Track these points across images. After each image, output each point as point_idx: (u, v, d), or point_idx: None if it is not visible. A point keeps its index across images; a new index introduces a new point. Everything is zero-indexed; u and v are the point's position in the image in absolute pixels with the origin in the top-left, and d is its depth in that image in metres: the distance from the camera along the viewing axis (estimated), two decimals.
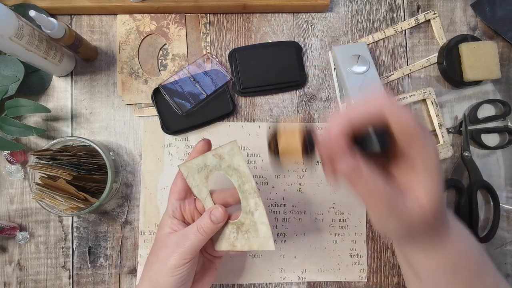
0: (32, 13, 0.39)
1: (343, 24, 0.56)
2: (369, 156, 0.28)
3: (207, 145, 0.40)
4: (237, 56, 0.53)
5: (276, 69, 0.53)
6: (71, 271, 0.50)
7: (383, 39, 0.55)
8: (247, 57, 0.53)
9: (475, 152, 0.54)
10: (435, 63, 0.55)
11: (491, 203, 0.53)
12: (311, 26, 0.55)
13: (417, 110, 0.55)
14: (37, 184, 0.45)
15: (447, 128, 0.53)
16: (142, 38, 0.53)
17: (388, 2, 0.56)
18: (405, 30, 0.56)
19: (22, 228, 0.50)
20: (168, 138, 0.52)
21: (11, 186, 0.51)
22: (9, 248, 0.50)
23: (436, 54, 0.55)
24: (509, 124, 0.55)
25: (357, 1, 0.56)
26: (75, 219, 0.51)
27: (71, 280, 0.50)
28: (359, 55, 0.49)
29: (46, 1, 0.51)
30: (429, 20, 0.56)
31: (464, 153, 0.53)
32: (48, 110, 0.49)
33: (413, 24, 0.55)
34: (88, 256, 0.50)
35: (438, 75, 0.55)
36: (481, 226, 0.53)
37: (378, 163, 0.29)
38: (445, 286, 0.33)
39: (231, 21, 0.55)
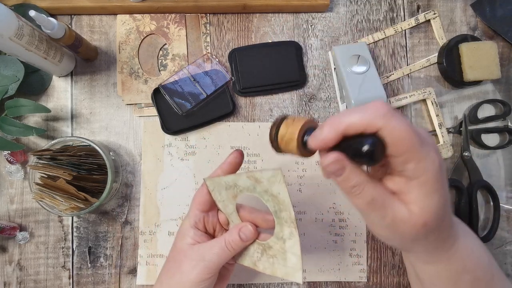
0: (32, 13, 0.39)
1: (343, 24, 0.56)
2: (358, 163, 0.27)
3: (240, 157, 0.38)
4: (237, 56, 0.53)
5: (276, 69, 0.53)
6: (71, 271, 0.50)
7: (383, 39, 0.55)
8: (247, 57, 0.53)
9: (475, 152, 0.54)
10: (435, 63, 0.55)
11: (491, 203, 0.53)
12: (311, 26, 0.55)
13: (417, 110, 0.55)
14: (37, 184, 0.45)
15: (447, 128, 0.53)
16: (142, 38, 0.53)
17: (388, 2, 0.56)
18: (405, 30, 0.56)
19: (22, 228, 0.50)
20: (168, 138, 0.52)
21: (11, 186, 0.51)
22: (9, 248, 0.50)
23: (436, 54, 0.55)
24: (509, 124, 0.55)
25: (357, 1, 0.56)
26: (75, 219, 0.51)
27: (71, 280, 0.50)
28: (359, 55, 0.49)
29: (46, 1, 0.51)
30: (429, 20, 0.56)
31: (464, 153, 0.53)
32: (48, 110, 0.49)
33: (413, 24, 0.55)
34: (88, 256, 0.50)
35: (438, 75, 0.55)
36: (481, 226, 0.53)
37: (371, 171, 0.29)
38: None
39: (231, 21, 0.55)
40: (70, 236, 0.50)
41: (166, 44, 0.54)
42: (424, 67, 0.55)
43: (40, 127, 0.50)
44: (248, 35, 0.55)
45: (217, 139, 0.52)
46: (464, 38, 0.53)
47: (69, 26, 0.49)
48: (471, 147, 0.54)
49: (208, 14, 0.54)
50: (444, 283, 0.33)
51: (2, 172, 0.51)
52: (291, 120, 0.31)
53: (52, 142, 0.46)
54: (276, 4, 0.53)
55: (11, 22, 0.39)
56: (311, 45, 0.55)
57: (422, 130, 0.28)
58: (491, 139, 0.55)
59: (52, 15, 0.52)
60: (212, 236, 0.39)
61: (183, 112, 0.50)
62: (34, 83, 0.51)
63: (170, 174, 0.51)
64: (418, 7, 0.56)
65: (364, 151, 0.25)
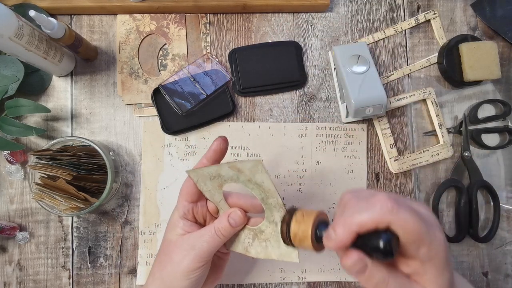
0: (32, 13, 0.39)
1: (343, 24, 0.55)
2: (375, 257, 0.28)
3: (225, 143, 0.38)
4: (237, 56, 0.53)
5: (276, 69, 0.53)
6: (71, 271, 0.50)
7: (383, 39, 0.55)
8: (247, 57, 0.53)
9: (475, 152, 0.54)
10: (435, 63, 0.55)
11: (491, 203, 0.53)
12: (311, 26, 0.55)
13: (417, 110, 0.55)
14: (37, 184, 0.45)
15: (447, 128, 0.53)
16: (142, 38, 0.53)
17: (388, 2, 0.56)
18: (405, 30, 0.56)
19: (22, 228, 0.50)
20: (168, 138, 0.52)
21: (11, 186, 0.51)
22: (9, 248, 0.50)
23: (436, 54, 0.55)
24: (509, 124, 0.55)
25: (357, 1, 0.56)
26: (75, 219, 0.51)
27: (71, 280, 0.50)
28: (359, 55, 0.49)
29: (46, 1, 0.51)
30: (429, 20, 0.56)
31: (464, 153, 0.53)
32: (48, 110, 0.49)
33: (413, 24, 0.55)
34: (88, 256, 0.50)
35: (438, 75, 0.55)
36: (481, 226, 0.53)
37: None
38: None
39: (231, 21, 0.55)
40: (70, 236, 0.50)
41: (166, 44, 0.54)
42: (424, 67, 0.55)
43: (40, 127, 0.50)
44: (248, 35, 0.55)
45: None
46: (464, 38, 0.53)
47: (69, 26, 0.49)
48: (471, 147, 0.54)
49: (208, 14, 0.54)
50: None
51: (2, 172, 0.51)
52: (300, 215, 0.32)
53: (52, 142, 0.46)
54: (276, 4, 0.53)
55: (11, 22, 0.39)
56: (311, 45, 0.55)
57: (424, 212, 0.29)
58: (491, 139, 0.55)
59: (52, 15, 0.52)
60: (202, 226, 0.38)
61: (183, 112, 0.50)
62: (34, 83, 0.51)
63: (170, 174, 0.51)
64: (418, 7, 0.56)
65: (381, 247, 0.26)
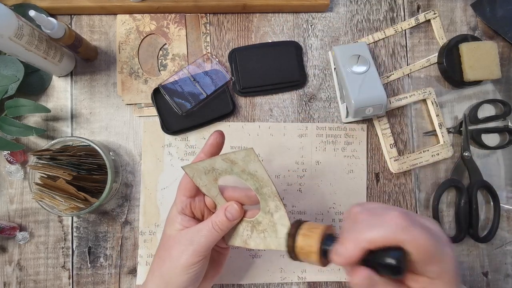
0: (32, 13, 0.38)
1: (343, 24, 0.55)
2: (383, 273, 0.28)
3: (221, 137, 0.38)
4: (237, 56, 0.53)
5: (276, 69, 0.53)
6: (71, 271, 0.50)
7: (383, 39, 0.55)
8: (247, 57, 0.53)
9: (475, 152, 0.54)
10: (435, 63, 0.55)
11: (491, 203, 0.53)
12: (311, 26, 0.55)
13: (417, 110, 0.55)
14: (37, 184, 0.45)
15: (447, 128, 0.53)
16: (142, 38, 0.53)
17: (388, 2, 0.56)
18: (405, 30, 0.56)
19: (22, 228, 0.50)
20: (168, 138, 0.52)
21: (11, 186, 0.51)
22: (9, 248, 0.50)
23: (436, 54, 0.55)
24: (509, 124, 0.55)
25: (357, 1, 0.56)
26: (75, 219, 0.51)
27: (71, 280, 0.50)
28: (359, 55, 0.49)
29: (46, 1, 0.51)
30: (429, 20, 0.56)
31: (464, 153, 0.53)
32: (48, 110, 0.48)
33: (413, 24, 0.55)
34: (88, 256, 0.50)
35: (438, 75, 0.55)
36: (481, 226, 0.53)
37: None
38: None
39: (231, 21, 0.55)
40: (70, 236, 0.50)
41: (166, 44, 0.53)
42: (424, 67, 0.55)
43: (40, 127, 0.50)
44: (248, 35, 0.55)
45: None
46: (464, 38, 0.53)
47: (69, 26, 0.49)
48: (471, 147, 0.54)
49: (208, 14, 0.54)
50: None
51: (2, 172, 0.51)
52: (306, 229, 0.32)
53: (52, 142, 0.46)
54: (276, 4, 0.53)
55: (11, 22, 0.39)
56: (311, 45, 0.55)
57: (435, 228, 0.29)
58: (491, 139, 0.55)
59: (52, 15, 0.52)
60: (200, 221, 0.39)
61: (183, 112, 0.50)
62: (34, 83, 0.51)
63: (170, 174, 0.51)
64: (418, 7, 0.56)
65: (391, 265, 0.27)
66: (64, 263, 0.50)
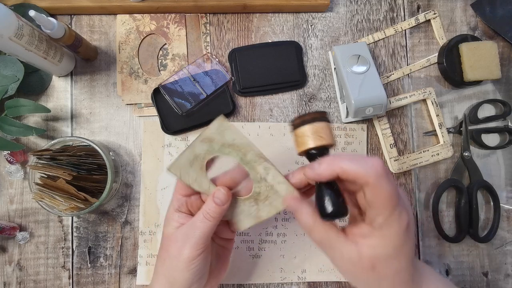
0: (32, 13, 0.39)
1: (343, 24, 0.55)
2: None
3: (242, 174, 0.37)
4: (237, 56, 0.53)
5: (276, 69, 0.53)
6: (71, 271, 0.50)
7: (383, 39, 0.55)
8: (247, 57, 0.53)
9: (475, 152, 0.54)
10: (435, 63, 0.55)
11: (491, 203, 0.53)
12: (311, 26, 0.55)
13: (417, 110, 0.55)
14: (37, 184, 0.45)
15: (447, 128, 0.53)
16: (142, 38, 0.53)
17: (388, 2, 0.56)
18: (405, 30, 0.56)
19: (22, 228, 0.50)
20: (168, 138, 0.52)
21: (11, 186, 0.51)
22: (9, 248, 0.50)
23: (436, 54, 0.55)
24: (509, 124, 0.55)
25: (357, 1, 0.56)
26: (75, 219, 0.51)
27: (71, 280, 0.50)
28: (359, 55, 0.49)
29: (46, 1, 0.51)
30: (429, 20, 0.56)
31: (464, 153, 0.53)
32: (48, 110, 0.48)
33: (413, 24, 0.55)
34: (88, 256, 0.50)
35: (438, 75, 0.55)
36: (481, 226, 0.53)
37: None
38: None
39: (231, 21, 0.55)
40: (70, 236, 0.50)
41: (166, 44, 0.53)
42: (424, 67, 0.55)
43: (40, 127, 0.50)
44: (248, 35, 0.55)
45: None
46: (464, 38, 0.53)
47: (69, 26, 0.49)
48: (471, 147, 0.54)
49: (208, 14, 0.54)
50: None
51: (2, 172, 0.51)
52: (320, 129, 0.33)
53: (52, 142, 0.46)
54: (276, 4, 0.53)
55: (11, 22, 0.39)
56: (311, 45, 0.55)
57: (403, 193, 0.32)
58: (491, 139, 0.55)
59: (52, 15, 0.52)
60: None
61: (183, 112, 0.50)
62: (34, 83, 0.51)
63: (170, 174, 0.51)
64: (418, 7, 0.56)
65: (328, 211, 0.31)
66: (64, 263, 0.50)
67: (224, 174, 0.37)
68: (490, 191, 0.53)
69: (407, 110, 0.55)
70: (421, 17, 0.55)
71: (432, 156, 0.52)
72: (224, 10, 0.54)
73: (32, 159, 0.45)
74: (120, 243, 0.51)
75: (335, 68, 0.54)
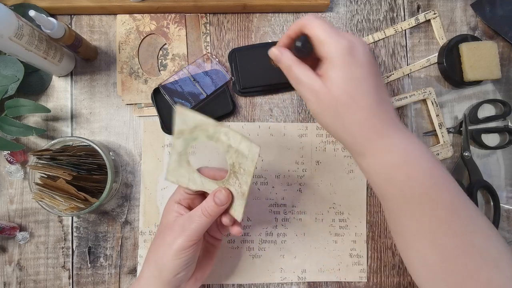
0: (31, 13, 0.39)
1: (343, 24, 0.55)
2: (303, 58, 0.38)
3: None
4: (237, 56, 0.53)
5: (276, 69, 0.53)
6: (71, 271, 0.50)
7: (383, 39, 0.55)
8: (247, 57, 0.53)
9: (475, 152, 0.54)
10: (435, 63, 0.55)
11: (491, 203, 0.53)
12: None
13: (417, 110, 0.55)
14: (37, 184, 0.45)
15: (447, 128, 0.53)
16: (142, 38, 0.53)
17: (388, 2, 0.56)
18: (405, 30, 0.56)
19: (22, 228, 0.50)
20: (168, 138, 0.52)
21: (11, 186, 0.51)
22: (9, 248, 0.50)
23: (436, 54, 0.55)
24: (509, 124, 0.55)
25: (357, 1, 0.56)
26: (75, 219, 0.51)
27: (71, 280, 0.50)
28: None
29: (46, 1, 0.51)
30: (429, 20, 0.56)
31: (464, 153, 0.53)
32: (48, 110, 0.49)
33: (413, 24, 0.55)
34: (88, 256, 0.50)
35: (438, 75, 0.55)
36: None
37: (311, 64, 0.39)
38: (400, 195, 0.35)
39: (231, 21, 0.55)
40: (70, 236, 0.50)
41: (166, 44, 0.53)
42: (424, 67, 0.55)
43: (40, 127, 0.50)
44: (248, 35, 0.55)
45: None
46: (464, 38, 0.53)
47: (69, 26, 0.49)
48: (471, 147, 0.54)
49: (208, 14, 0.54)
50: (379, 178, 0.36)
51: (2, 172, 0.51)
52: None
53: (52, 142, 0.46)
54: (276, 4, 0.53)
55: (11, 22, 0.39)
56: None
57: (347, 34, 0.37)
58: (491, 139, 0.55)
59: (52, 15, 0.52)
60: None
61: None
62: (34, 83, 0.51)
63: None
64: (418, 7, 0.56)
65: (298, 46, 0.38)
66: (64, 263, 0.50)
67: (210, 167, 0.40)
68: (490, 191, 0.53)
69: (407, 110, 0.55)
70: (421, 17, 0.55)
71: None
72: (224, 10, 0.54)
73: (32, 159, 0.45)
74: (120, 243, 0.51)
75: None
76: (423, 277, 0.35)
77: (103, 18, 0.53)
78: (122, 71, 0.53)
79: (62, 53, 0.48)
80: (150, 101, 0.52)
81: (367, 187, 0.53)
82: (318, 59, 0.38)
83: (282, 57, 0.38)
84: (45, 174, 0.46)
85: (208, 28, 0.54)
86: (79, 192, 0.44)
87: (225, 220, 0.39)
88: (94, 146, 0.45)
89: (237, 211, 0.38)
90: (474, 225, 0.33)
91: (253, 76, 0.53)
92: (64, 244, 0.50)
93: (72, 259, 0.50)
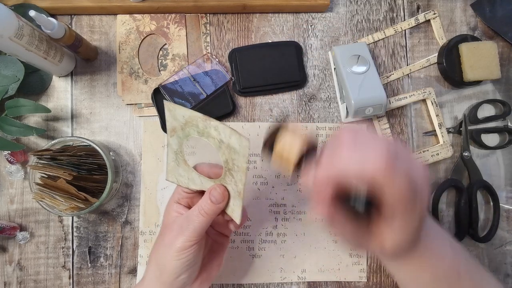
0: (32, 13, 0.39)
1: (343, 24, 0.56)
2: (351, 211, 0.29)
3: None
4: (237, 56, 0.53)
5: (276, 69, 0.53)
6: (71, 271, 0.50)
7: (383, 39, 0.55)
8: (247, 57, 0.53)
9: (475, 152, 0.54)
10: (435, 63, 0.55)
11: (491, 203, 0.53)
12: (311, 26, 0.55)
13: (417, 110, 0.55)
14: (37, 184, 0.45)
15: (447, 128, 0.53)
16: (142, 38, 0.53)
17: (388, 2, 0.56)
18: (405, 30, 0.56)
19: (22, 228, 0.50)
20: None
21: (11, 186, 0.51)
22: (9, 248, 0.50)
23: (436, 54, 0.55)
24: (509, 124, 0.55)
25: (357, 1, 0.56)
26: (75, 219, 0.51)
27: (71, 280, 0.50)
28: (359, 55, 0.49)
29: (46, 1, 0.51)
30: (429, 20, 0.56)
31: (464, 153, 0.53)
32: (48, 110, 0.49)
33: (413, 24, 0.55)
34: (88, 256, 0.50)
35: (438, 75, 0.55)
36: (481, 226, 0.53)
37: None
38: None
39: (231, 21, 0.55)
40: (70, 236, 0.50)
41: (166, 44, 0.54)
42: (424, 67, 0.55)
43: (40, 127, 0.50)
44: (248, 35, 0.55)
45: None
46: (464, 38, 0.53)
47: (69, 26, 0.49)
48: (471, 147, 0.54)
49: (208, 14, 0.54)
50: (408, 281, 0.36)
51: (2, 172, 0.51)
52: (289, 136, 0.30)
53: (52, 142, 0.46)
54: (276, 4, 0.53)
55: (11, 22, 0.39)
56: (311, 45, 0.55)
57: (419, 174, 0.28)
58: (491, 139, 0.55)
59: (52, 15, 0.52)
60: None
61: None
62: (34, 83, 0.51)
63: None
64: (418, 7, 0.56)
65: (358, 209, 0.28)
66: (65, 263, 0.50)
67: (210, 166, 0.38)
68: (490, 191, 0.53)
69: (407, 110, 0.55)
70: (421, 17, 0.55)
71: (432, 156, 0.52)
72: (224, 10, 0.54)
73: (32, 159, 0.45)
74: (120, 243, 0.51)
75: (335, 68, 0.54)
76: None
77: (103, 18, 0.53)
78: (122, 71, 0.53)
79: (62, 53, 0.48)
80: (150, 101, 0.52)
81: None
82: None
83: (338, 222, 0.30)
84: (46, 174, 0.46)
85: (208, 28, 0.54)
86: (79, 192, 0.44)
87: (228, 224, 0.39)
88: (94, 146, 0.45)
89: (235, 212, 0.36)
90: None
91: (253, 76, 0.53)
92: (65, 244, 0.50)
93: (72, 259, 0.50)
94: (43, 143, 0.51)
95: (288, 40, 0.55)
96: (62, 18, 0.53)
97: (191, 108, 0.50)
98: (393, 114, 0.54)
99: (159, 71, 0.53)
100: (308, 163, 0.30)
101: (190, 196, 0.39)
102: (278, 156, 0.31)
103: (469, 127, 0.54)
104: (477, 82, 0.53)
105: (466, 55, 0.51)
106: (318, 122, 0.54)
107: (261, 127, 0.53)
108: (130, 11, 0.53)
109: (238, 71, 0.52)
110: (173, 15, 0.54)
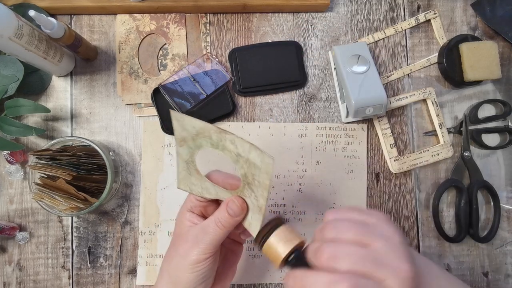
0: (31, 13, 0.38)
1: (343, 24, 0.55)
2: None
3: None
4: (237, 56, 0.53)
5: (276, 69, 0.53)
6: (71, 271, 0.50)
7: (383, 39, 0.55)
8: (247, 57, 0.53)
9: (475, 152, 0.54)
10: (435, 63, 0.55)
11: (492, 203, 0.53)
12: (311, 26, 0.55)
13: (417, 110, 0.55)
14: (37, 184, 0.45)
15: (447, 128, 0.53)
16: (142, 38, 0.53)
17: (388, 2, 0.56)
18: (405, 30, 0.56)
19: (21, 228, 0.50)
20: (168, 138, 0.52)
21: (11, 186, 0.51)
22: (9, 248, 0.50)
23: (436, 54, 0.55)
24: (510, 124, 0.54)
25: (357, 0, 0.56)
26: (74, 219, 0.51)
27: (71, 280, 0.50)
28: (359, 55, 0.49)
29: (46, 1, 0.51)
30: (429, 20, 0.55)
31: (464, 153, 0.53)
32: (47, 110, 0.48)
33: (413, 24, 0.55)
34: (88, 256, 0.50)
35: (438, 75, 0.55)
36: (481, 226, 0.53)
37: None
38: None
39: (231, 21, 0.54)
40: (69, 236, 0.50)
41: (166, 44, 0.53)
42: (425, 67, 0.55)
43: (40, 127, 0.50)
44: (248, 35, 0.54)
45: None
46: (465, 38, 0.53)
47: (69, 26, 0.49)
48: (472, 147, 0.54)
49: (208, 14, 0.54)
50: None
51: (1, 172, 0.51)
52: (283, 235, 0.31)
53: (52, 142, 0.46)
54: (276, 4, 0.53)
55: (11, 22, 0.39)
56: (311, 45, 0.55)
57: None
58: (491, 139, 0.55)
59: (52, 15, 0.52)
60: None
61: (183, 112, 0.50)
62: (33, 83, 0.51)
63: (170, 174, 0.51)
64: (418, 7, 0.56)
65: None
66: (64, 263, 0.50)
67: (225, 176, 0.36)
68: (490, 191, 0.53)
69: (407, 110, 0.55)
70: (421, 17, 0.55)
71: (432, 156, 0.52)
72: (224, 10, 0.54)
73: (32, 159, 0.45)
74: (120, 243, 0.51)
75: (335, 68, 0.54)
76: None
77: (103, 18, 0.53)
78: (122, 71, 0.52)
79: (62, 53, 0.48)
80: (150, 101, 0.52)
81: (367, 187, 0.53)
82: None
83: None
84: (45, 174, 0.46)
85: (208, 28, 0.54)
86: (79, 192, 0.44)
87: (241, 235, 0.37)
88: (94, 146, 0.45)
89: (253, 226, 0.34)
90: None
91: (253, 76, 0.53)
92: (64, 244, 0.50)
93: (72, 259, 0.50)
94: (42, 143, 0.51)
95: (288, 40, 0.55)
96: (62, 18, 0.53)
97: (191, 108, 0.50)
98: (393, 114, 0.54)
99: (159, 71, 0.53)
100: (293, 267, 0.31)
101: (203, 204, 0.37)
102: (268, 249, 0.32)
103: (470, 127, 0.54)
104: (477, 82, 0.53)
105: (466, 55, 0.51)
106: (318, 122, 0.54)
107: (261, 127, 0.53)
108: (130, 10, 0.53)
109: (238, 71, 0.52)
110: (173, 15, 0.54)
